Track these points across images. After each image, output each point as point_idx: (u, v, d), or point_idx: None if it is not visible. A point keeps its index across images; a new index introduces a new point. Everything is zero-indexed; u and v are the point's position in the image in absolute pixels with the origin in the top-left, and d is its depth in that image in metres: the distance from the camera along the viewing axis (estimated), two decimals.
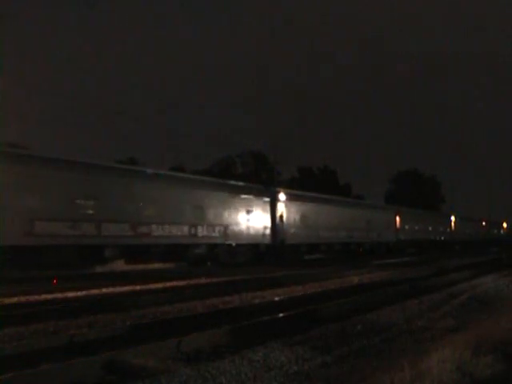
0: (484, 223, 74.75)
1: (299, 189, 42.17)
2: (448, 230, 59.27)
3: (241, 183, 31.02)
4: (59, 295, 13.44)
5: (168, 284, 16.49)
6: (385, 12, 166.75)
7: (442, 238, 56.98)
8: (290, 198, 30.95)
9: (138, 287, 15.62)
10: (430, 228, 53.27)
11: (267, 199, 29.08)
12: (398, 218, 45.04)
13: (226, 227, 25.55)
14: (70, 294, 13.59)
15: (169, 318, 9.35)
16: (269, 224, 28.69)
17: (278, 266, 25.13)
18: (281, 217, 29.58)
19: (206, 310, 10.48)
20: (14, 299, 12.68)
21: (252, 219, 27.51)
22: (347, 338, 7.59)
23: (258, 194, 28.87)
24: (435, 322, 9.13)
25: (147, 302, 11.59)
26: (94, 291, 14.42)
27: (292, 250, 30.62)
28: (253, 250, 27.21)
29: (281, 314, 9.24)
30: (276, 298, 12.31)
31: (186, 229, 23.26)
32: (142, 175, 23.02)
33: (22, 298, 12.82)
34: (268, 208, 28.89)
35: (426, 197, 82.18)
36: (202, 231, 24.04)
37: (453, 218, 60.98)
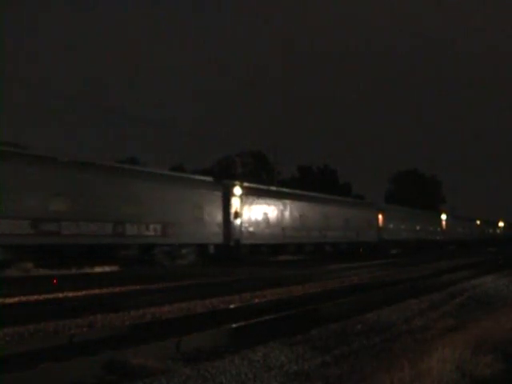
0: (479, 222, 72.10)
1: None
2: (439, 229, 56.52)
3: (185, 174, 27.78)
4: (59, 295, 13.43)
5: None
6: (385, 12, 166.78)
7: (432, 237, 53.99)
8: (248, 193, 27.64)
9: (138, 287, 15.62)
10: (418, 227, 50.16)
11: (218, 193, 25.62)
12: (380, 217, 41.91)
13: (166, 225, 22.07)
14: (70, 294, 13.58)
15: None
16: (221, 221, 25.30)
17: (227, 268, 22.53)
18: (236, 213, 26.21)
19: None
20: (14, 299, 12.68)
21: (199, 216, 24.10)
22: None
23: (208, 187, 25.61)
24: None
25: (147, 302, 11.59)
26: (95, 291, 14.40)
27: (250, 251, 27.34)
28: (200, 251, 23.97)
29: None
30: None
31: (108, 226, 19.72)
32: (48, 161, 19.01)
33: (23, 298, 12.81)
34: (220, 203, 25.51)
35: (426, 197, 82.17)
36: (132, 229, 20.54)
37: (444, 217, 58.30)
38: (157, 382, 5.34)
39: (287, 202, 30.99)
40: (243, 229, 26.60)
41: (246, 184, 28.91)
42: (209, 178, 27.09)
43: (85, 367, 5.87)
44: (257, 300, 12.30)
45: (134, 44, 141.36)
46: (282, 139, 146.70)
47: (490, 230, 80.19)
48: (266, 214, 28.87)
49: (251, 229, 27.30)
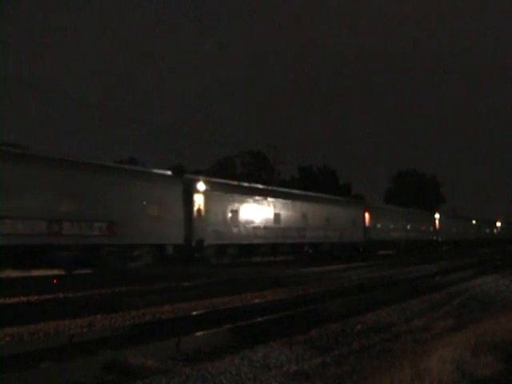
0: (474, 222, 69.21)
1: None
2: (431, 229, 53.61)
3: (139, 168, 24.63)
4: (60, 295, 13.43)
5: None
6: (385, 12, 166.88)
7: (425, 238, 51.22)
8: (214, 189, 25.26)
9: (137, 287, 15.62)
10: (409, 227, 47.20)
11: (178, 189, 23.09)
12: (367, 215, 39.23)
13: (113, 223, 19.66)
14: (71, 294, 13.58)
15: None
16: (181, 220, 22.87)
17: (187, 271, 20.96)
18: (199, 211, 23.85)
19: None
20: (14, 299, 12.68)
21: (155, 213, 21.67)
22: None
23: (166, 182, 23.14)
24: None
25: (147, 302, 11.60)
26: (95, 291, 14.40)
27: (215, 252, 24.82)
28: (156, 252, 21.70)
29: None
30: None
31: (41, 225, 17.47)
32: None
33: (23, 298, 12.81)
34: (180, 200, 23.03)
35: (426, 197, 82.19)
36: (71, 228, 18.24)
37: (437, 216, 55.46)
38: (157, 382, 5.34)
39: (259, 199, 28.43)
40: (208, 228, 24.20)
41: (211, 179, 26.92)
42: (167, 172, 24.46)
43: (85, 367, 5.88)
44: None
45: (134, 44, 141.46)
46: (281, 139, 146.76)
47: (487, 230, 77.20)
48: (235, 211, 26.33)
49: (217, 228, 24.86)
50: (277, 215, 29.31)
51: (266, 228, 28.30)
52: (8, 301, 12.21)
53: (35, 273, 18.23)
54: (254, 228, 27.55)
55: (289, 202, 30.82)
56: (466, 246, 60.74)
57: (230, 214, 26.01)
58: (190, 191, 23.65)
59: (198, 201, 23.96)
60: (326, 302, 11.62)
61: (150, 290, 14.95)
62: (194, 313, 10.28)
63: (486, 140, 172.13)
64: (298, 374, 5.79)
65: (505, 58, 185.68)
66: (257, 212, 27.89)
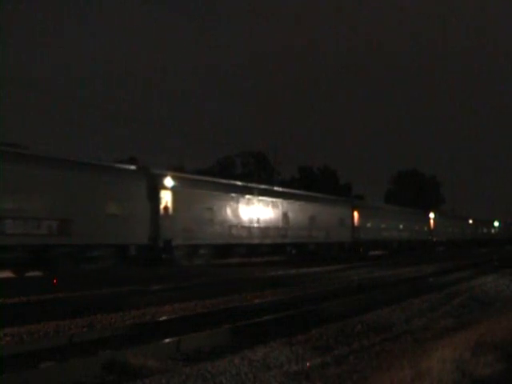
0: (471, 221, 67.26)
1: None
2: (426, 228, 51.83)
3: (97, 161, 22.02)
4: (60, 295, 13.41)
5: None
6: (385, 12, 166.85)
7: (418, 238, 49.36)
8: (184, 185, 23.62)
9: (137, 287, 15.61)
10: (402, 226, 45.27)
11: (142, 184, 21.44)
12: (356, 214, 37.32)
13: (65, 222, 18.03)
14: (71, 294, 13.57)
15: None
16: (146, 218, 21.35)
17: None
18: (166, 209, 22.22)
19: None
20: (15, 299, 12.67)
21: (115, 211, 19.90)
22: None
23: (127, 177, 21.43)
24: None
25: (147, 302, 11.60)
26: (95, 291, 14.40)
27: (186, 253, 23.02)
28: (117, 253, 20.04)
29: None
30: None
31: None
32: None
33: (23, 298, 12.81)
34: (144, 196, 21.39)
35: (426, 197, 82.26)
36: (14, 227, 16.51)
37: (432, 215, 53.57)
38: (157, 382, 5.34)
39: (235, 196, 26.38)
40: (176, 227, 22.40)
41: (181, 174, 25.19)
42: (131, 167, 22.96)
43: (85, 367, 5.88)
44: None
45: (134, 43, 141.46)
46: (282, 139, 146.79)
47: (485, 230, 75.21)
48: (208, 209, 24.39)
49: (187, 227, 23.00)
50: (255, 214, 27.40)
51: (242, 227, 26.41)
52: (8, 301, 12.20)
53: None
54: (230, 227, 25.63)
55: (269, 199, 28.72)
56: (463, 246, 59.53)
57: (202, 212, 23.98)
58: (156, 187, 21.92)
59: (166, 198, 22.27)
60: (325, 302, 11.62)
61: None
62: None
63: (486, 140, 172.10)
64: (298, 373, 5.79)
65: (505, 57, 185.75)
66: (233, 210, 25.91)
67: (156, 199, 21.84)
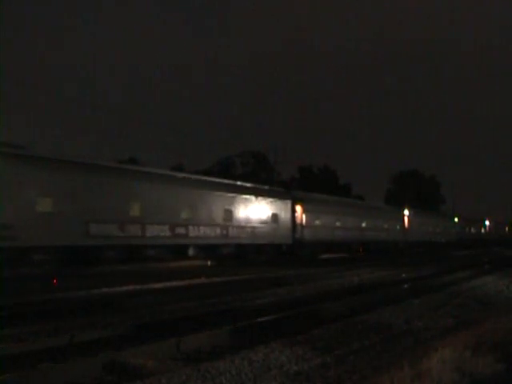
0: (456, 220, 59.77)
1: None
2: (398, 227, 44.71)
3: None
4: (59, 295, 13.41)
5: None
6: (384, 12, 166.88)
7: (388, 238, 42.40)
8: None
9: (138, 287, 15.61)
10: (364, 225, 38.37)
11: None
12: (299, 209, 30.28)
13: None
14: (71, 294, 13.57)
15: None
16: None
17: None
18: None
19: None
20: (16, 299, 12.66)
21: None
22: None
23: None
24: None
25: (147, 302, 11.59)
26: (95, 291, 14.39)
27: (41, 260, 16.95)
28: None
29: None
30: None
31: None
32: None
33: (23, 298, 12.79)
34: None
35: (426, 197, 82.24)
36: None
37: (406, 213, 46.52)
38: (157, 382, 5.34)
39: (108, 180, 19.22)
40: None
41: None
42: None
43: (85, 367, 5.88)
44: None
45: (134, 43, 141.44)
46: (282, 139, 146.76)
47: (473, 230, 66.50)
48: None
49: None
50: (138, 204, 20.00)
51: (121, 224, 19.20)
52: (9, 301, 12.19)
53: None
54: (85, 223, 17.97)
55: (160, 186, 21.17)
56: (445, 247, 52.36)
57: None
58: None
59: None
60: (325, 302, 11.61)
61: None
62: None
63: (486, 140, 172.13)
64: (299, 374, 5.79)
65: (505, 57, 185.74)
66: (99, 198, 18.44)
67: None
